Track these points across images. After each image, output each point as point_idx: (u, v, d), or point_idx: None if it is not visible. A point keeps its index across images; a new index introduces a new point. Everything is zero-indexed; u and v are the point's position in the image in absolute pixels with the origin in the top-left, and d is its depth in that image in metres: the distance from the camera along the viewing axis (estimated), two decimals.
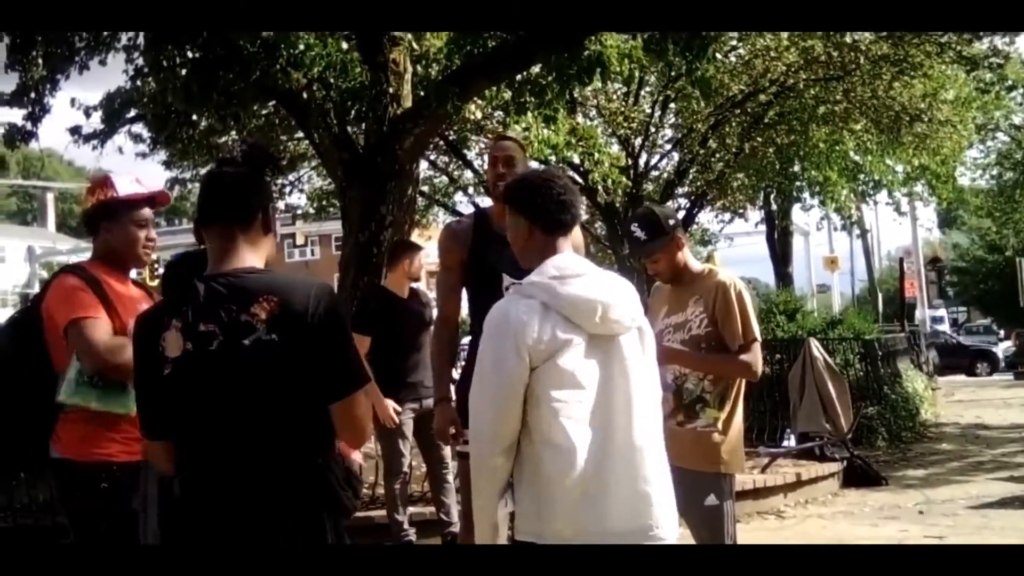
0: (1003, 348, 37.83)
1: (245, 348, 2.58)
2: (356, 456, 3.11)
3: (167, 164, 15.19)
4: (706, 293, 4.28)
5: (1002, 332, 44.62)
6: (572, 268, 3.07)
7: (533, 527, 2.97)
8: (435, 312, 7.30)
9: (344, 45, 9.23)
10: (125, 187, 3.75)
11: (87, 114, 10.23)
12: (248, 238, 2.74)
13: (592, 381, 2.97)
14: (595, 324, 2.99)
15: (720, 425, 4.22)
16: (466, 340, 4.78)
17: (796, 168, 20.47)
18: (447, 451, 6.84)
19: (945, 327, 45.78)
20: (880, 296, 43.14)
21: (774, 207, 24.93)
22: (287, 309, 2.60)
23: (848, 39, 13.88)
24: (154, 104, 9.61)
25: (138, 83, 9.88)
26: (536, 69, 9.26)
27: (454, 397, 4.49)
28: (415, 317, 6.93)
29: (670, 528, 3.06)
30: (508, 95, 9.88)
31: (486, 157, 18.00)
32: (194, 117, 9.86)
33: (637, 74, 14.04)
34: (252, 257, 2.74)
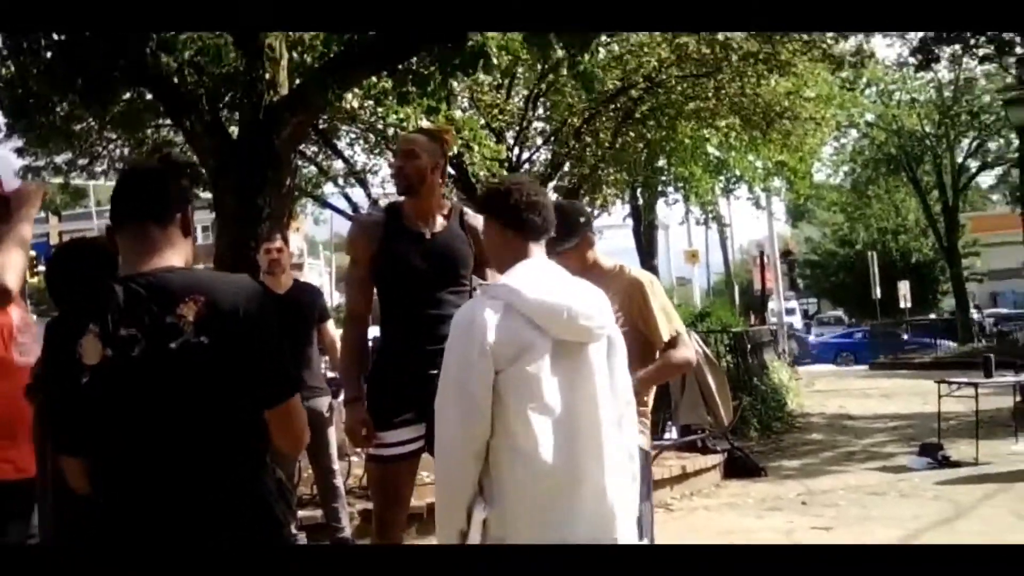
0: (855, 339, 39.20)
1: (171, 352, 2.35)
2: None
3: (20, 152, 14.45)
4: (621, 292, 4.16)
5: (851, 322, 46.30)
6: (542, 272, 3.03)
7: (497, 531, 2.88)
8: (324, 302, 7.09)
9: None
10: (9, 180, 3.48)
11: None
12: (167, 237, 2.52)
13: (558, 387, 2.90)
14: (561, 329, 2.92)
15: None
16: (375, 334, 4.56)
17: (662, 163, 20.80)
18: (334, 457, 6.63)
19: (797, 319, 47.30)
20: (737, 288, 44.32)
21: (640, 201, 25.23)
22: (215, 309, 2.38)
23: (720, 36, 14.04)
24: (11, 89, 9.10)
25: None
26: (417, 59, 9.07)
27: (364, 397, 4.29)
28: (293, 312, 6.50)
29: (630, 539, 3.07)
30: (389, 84, 9.67)
31: (357, 147, 17.76)
32: (55, 103, 9.36)
33: (512, 67, 13.98)
34: (172, 257, 2.51)
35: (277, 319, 2.53)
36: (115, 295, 2.39)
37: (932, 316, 39.61)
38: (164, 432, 2.37)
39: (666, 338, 4.13)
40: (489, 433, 2.87)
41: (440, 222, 4.28)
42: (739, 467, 10.05)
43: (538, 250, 3.11)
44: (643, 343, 4.13)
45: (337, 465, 6.69)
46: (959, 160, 35.24)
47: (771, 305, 31.42)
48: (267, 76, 8.66)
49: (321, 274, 52.43)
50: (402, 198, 4.36)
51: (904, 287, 34.34)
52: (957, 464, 10.14)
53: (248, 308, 2.41)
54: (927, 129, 33.99)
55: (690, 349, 4.25)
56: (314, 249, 61.85)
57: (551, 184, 17.14)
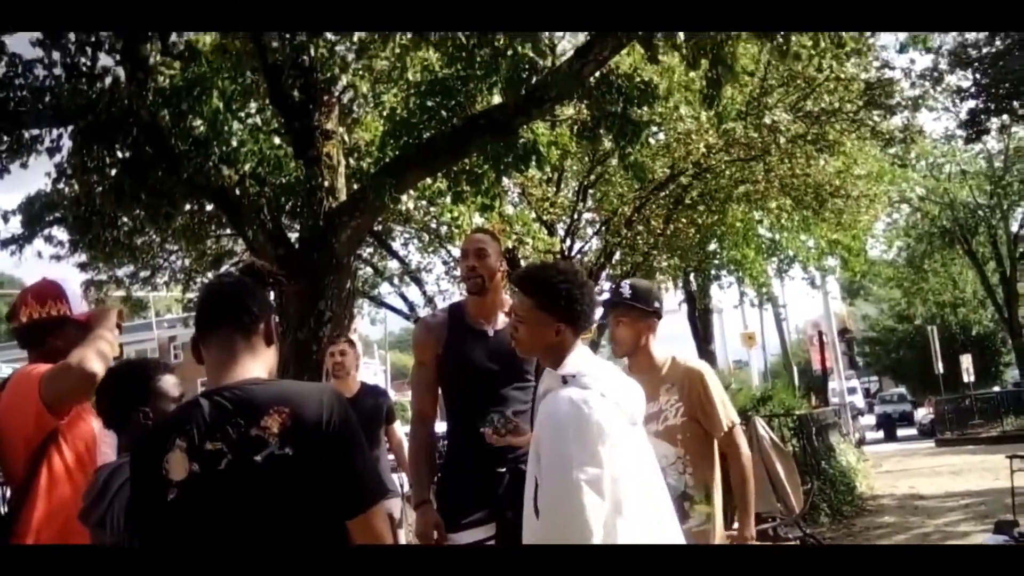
0: (920, 415, 38.58)
1: (257, 465, 2.37)
2: None
3: (83, 266, 14.79)
4: (679, 382, 4.17)
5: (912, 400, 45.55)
6: (597, 361, 3.11)
7: None
8: (391, 403, 7.13)
9: (276, 140, 9.14)
10: (77, 305, 3.58)
11: (5, 219, 9.93)
12: (251, 348, 2.56)
13: (639, 469, 3.03)
14: (633, 414, 3.03)
15: (714, 522, 4.09)
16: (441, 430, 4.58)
17: (714, 247, 20.82)
18: None
19: (859, 398, 46.61)
20: (795, 369, 43.82)
21: (694, 286, 25.20)
22: (300, 420, 2.40)
23: (767, 120, 14.16)
24: (77, 206, 9.37)
25: (60, 185, 9.59)
26: (471, 158, 9.25)
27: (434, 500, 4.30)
28: (362, 415, 6.59)
29: None
30: (443, 185, 9.84)
31: (411, 247, 17.96)
32: (119, 218, 9.61)
33: (561, 161, 14.18)
34: (256, 368, 2.54)
35: (359, 427, 2.56)
36: (201, 409, 2.43)
37: (996, 388, 38.88)
38: (250, 545, 2.39)
39: (725, 428, 4.14)
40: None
41: (502, 319, 4.30)
42: None
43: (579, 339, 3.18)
44: (703, 434, 4.13)
45: None
46: (1014, 229, 34.91)
47: (832, 385, 31.05)
48: (326, 183, 8.88)
49: (376, 373, 52.57)
50: (462, 297, 4.41)
51: (966, 360, 33.80)
52: None
53: (331, 418, 2.43)
54: (979, 200, 33.79)
55: (744, 444, 4.24)
56: (369, 349, 62.24)
57: (604, 273, 17.22)
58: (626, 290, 4.21)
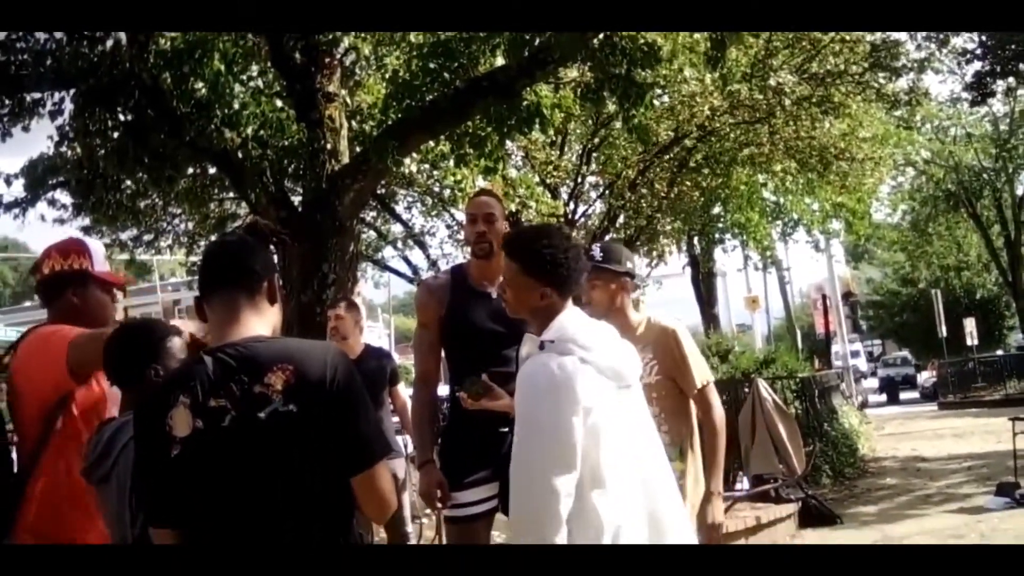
0: (923, 378, 38.67)
1: (261, 422, 2.38)
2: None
3: (86, 230, 14.78)
4: (654, 341, 4.20)
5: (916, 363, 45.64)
6: (587, 323, 3.06)
7: None
8: (395, 365, 7.16)
9: (279, 103, 9.11)
10: (100, 263, 3.60)
11: (8, 182, 9.92)
12: (254, 307, 2.57)
13: (628, 430, 2.99)
14: (623, 378, 2.98)
15: (689, 480, 4.12)
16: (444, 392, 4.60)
17: (718, 210, 20.79)
18: (407, 520, 6.66)
19: (862, 361, 46.69)
20: (799, 332, 43.83)
21: (698, 250, 25.18)
22: (304, 378, 2.42)
23: (772, 82, 14.09)
24: (79, 169, 9.36)
25: (62, 148, 9.57)
26: (474, 121, 9.21)
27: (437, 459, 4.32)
28: (365, 376, 6.62)
29: None
30: (446, 148, 9.81)
31: (415, 210, 17.96)
32: (122, 181, 9.60)
33: (565, 124, 14.14)
34: (259, 326, 2.56)
35: (362, 386, 2.57)
36: (204, 366, 2.44)
37: (999, 352, 38.91)
38: (254, 501, 2.41)
39: (699, 386, 4.18)
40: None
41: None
42: (814, 516, 9.90)
43: (570, 301, 3.14)
44: (677, 392, 4.16)
45: (410, 527, 6.70)
46: (1019, 193, 34.81)
47: (835, 348, 31.07)
48: (328, 146, 8.86)
49: (380, 337, 52.63)
50: (465, 260, 4.41)
51: (970, 324, 33.79)
52: None
53: (335, 376, 2.45)
54: (985, 164, 33.65)
55: (717, 403, 4.27)
56: (373, 313, 62.30)
57: (608, 236, 17.21)
58: (597, 252, 4.21)
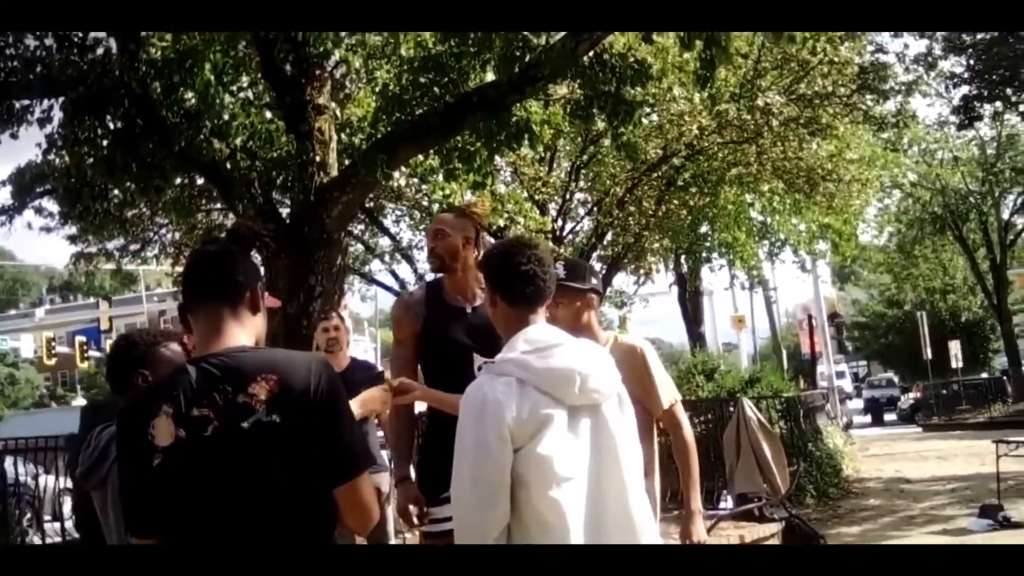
0: (902, 400, 38.82)
1: (244, 432, 2.38)
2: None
3: (73, 239, 14.74)
4: (620, 360, 4.15)
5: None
6: (544, 339, 2.96)
7: None
8: (382, 378, 7.13)
9: (268, 114, 9.10)
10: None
11: None
12: (237, 317, 2.57)
13: (580, 455, 2.86)
14: (575, 395, 2.87)
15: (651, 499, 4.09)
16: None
17: (705, 229, 20.84)
18: (390, 534, 6.63)
19: (847, 382, 46.80)
20: (784, 352, 43.93)
21: (685, 268, 25.23)
22: (287, 388, 2.42)
23: (760, 102, 14.15)
24: (67, 177, 9.34)
25: (50, 156, 9.56)
26: (463, 136, 9.23)
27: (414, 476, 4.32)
28: (351, 389, 6.60)
29: None
30: (435, 162, 9.82)
31: (403, 224, 17.94)
32: (110, 190, 9.58)
33: (554, 141, 14.16)
34: (242, 336, 2.56)
35: (347, 397, 2.57)
36: (188, 376, 2.44)
37: (984, 375, 39.03)
38: (235, 511, 2.40)
39: (666, 406, 4.10)
40: (508, 517, 2.80)
41: (480, 295, 4.23)
42: (797, 535, 9.88)
43: (536, 316, 3.06)
44: (641, 411, 4.11)
45: (393, 541, 6.67)
46: (1005, 217, 34.93)
47: (820, 368, 31.15)
48: (317, 158, 8.85)
49: (367, 350, 52.59)
50: (442, 275, 4.41)
51: (955, 347, 33.91)
52: (1019, 525, 9.93)
53: (319, 386, 2.45)
54: (971, 187, 33.78)
55: (684, 421, 4.19)
56: (359, 326, 62.22)
57: (595, 254, 17.24)
58: (560, 270, 4.13)
